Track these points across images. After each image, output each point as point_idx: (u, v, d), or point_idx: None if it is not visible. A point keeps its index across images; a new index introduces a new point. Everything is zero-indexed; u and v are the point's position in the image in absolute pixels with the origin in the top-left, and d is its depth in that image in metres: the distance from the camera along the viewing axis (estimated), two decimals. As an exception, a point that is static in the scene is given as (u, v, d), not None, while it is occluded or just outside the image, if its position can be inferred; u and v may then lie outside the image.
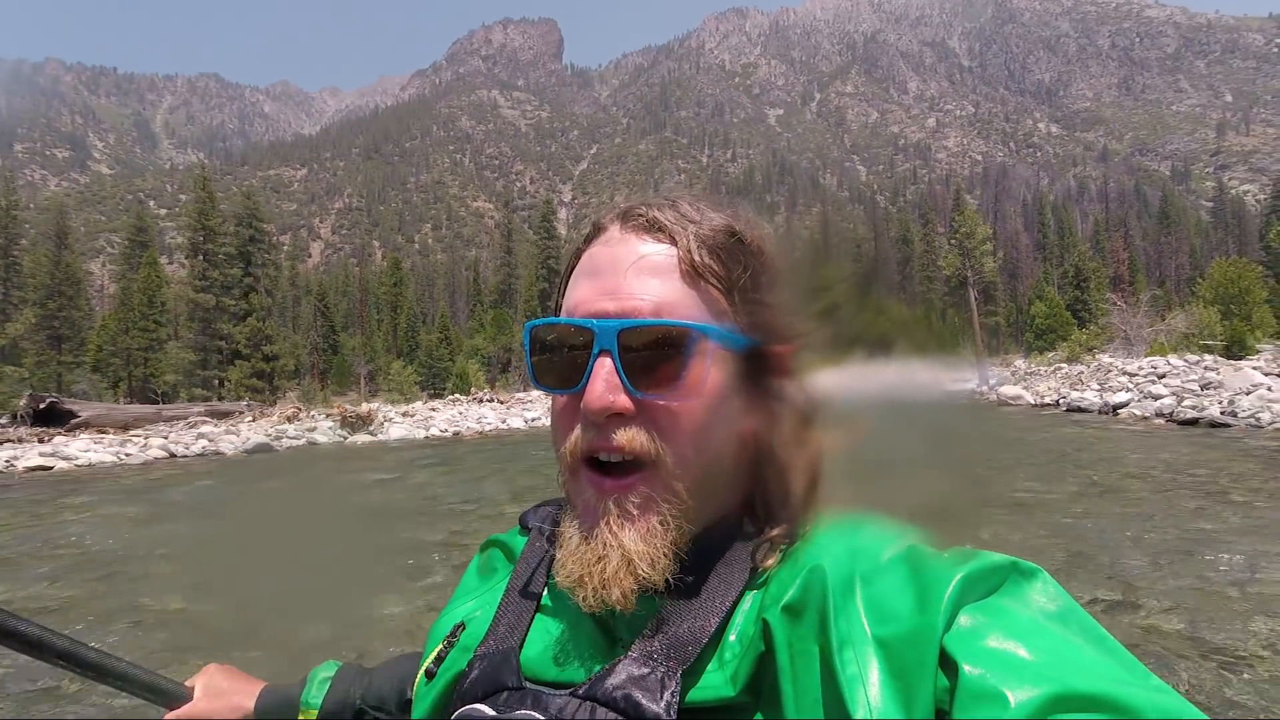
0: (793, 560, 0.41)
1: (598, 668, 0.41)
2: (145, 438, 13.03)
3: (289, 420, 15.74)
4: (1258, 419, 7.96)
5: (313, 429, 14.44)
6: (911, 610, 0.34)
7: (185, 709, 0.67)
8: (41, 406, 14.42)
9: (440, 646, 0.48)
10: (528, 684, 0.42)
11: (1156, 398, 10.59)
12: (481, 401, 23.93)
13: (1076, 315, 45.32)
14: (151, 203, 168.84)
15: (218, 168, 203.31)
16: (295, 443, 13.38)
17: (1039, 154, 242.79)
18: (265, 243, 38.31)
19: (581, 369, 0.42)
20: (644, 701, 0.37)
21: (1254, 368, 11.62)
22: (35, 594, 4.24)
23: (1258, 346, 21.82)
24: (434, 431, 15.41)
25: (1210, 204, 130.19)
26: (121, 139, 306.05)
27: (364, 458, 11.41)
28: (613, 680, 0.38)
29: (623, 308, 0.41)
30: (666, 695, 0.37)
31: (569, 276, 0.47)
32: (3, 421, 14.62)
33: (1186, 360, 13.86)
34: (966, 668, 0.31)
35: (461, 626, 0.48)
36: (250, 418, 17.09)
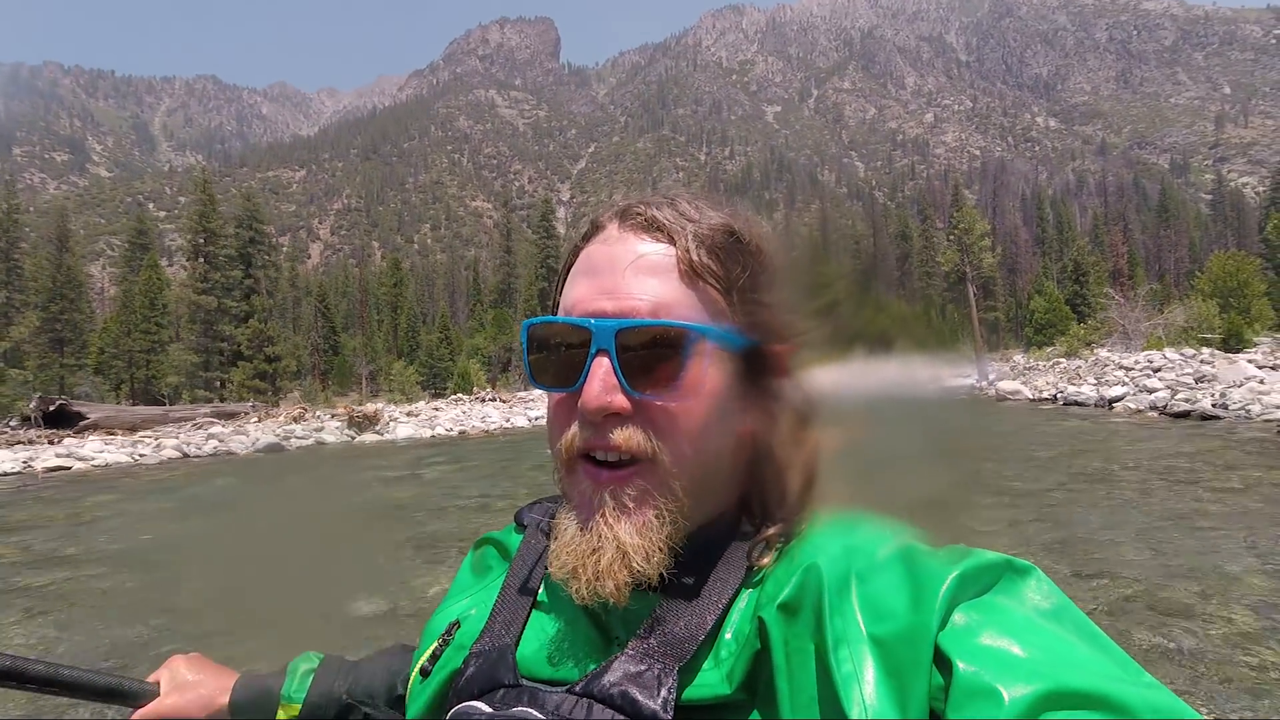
0: (789, 559, 0.41)
1: (594, 665, 0.41)
2: (158, 439, 13.22)
3: (295, 420, 15.93)
4: (1248, 411, 8.12)
5: (320, 429, 14.63)
6: (906, 608, 0.34)
7: (151, 706, 0.63)
8: (51, 409, 14.58)
9: (436, 644, 0.48)
10: (524, 681, 0.42)
11: (1151, 391, 10.75)
12: (484, 401, 24.10)
13: (1076, 310, 45.47)
14: (151, 205, 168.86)
15: (216, 170, 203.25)
16: (304, 442, 13.57)
17: (1037, 148, 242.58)
18: (265, 244, 38.48)
19: (579, 368, 0.42)
20: (641, 698, 0.37)
21: (1249, 360, 11.77)
22: (99, 586, 4.46)
23: (1255, 339, 21.98)
24: (439, 431, 15.58)
25: (1209, 197, 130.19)
26: (120, 142, 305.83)
27: (376, 456, 11.57)
28: (609, 677, 0.39)
29: (620, 307, 0.42)
30: (663, 692, 0.37)
31: (566, 274, 0.47)
32: (13, 424, 14.77)
33: (1182, 354, 14.01)
34: (961, 665, 0.32)
35: (457, 624, 0.48)
36: (256, 418, 17.27)
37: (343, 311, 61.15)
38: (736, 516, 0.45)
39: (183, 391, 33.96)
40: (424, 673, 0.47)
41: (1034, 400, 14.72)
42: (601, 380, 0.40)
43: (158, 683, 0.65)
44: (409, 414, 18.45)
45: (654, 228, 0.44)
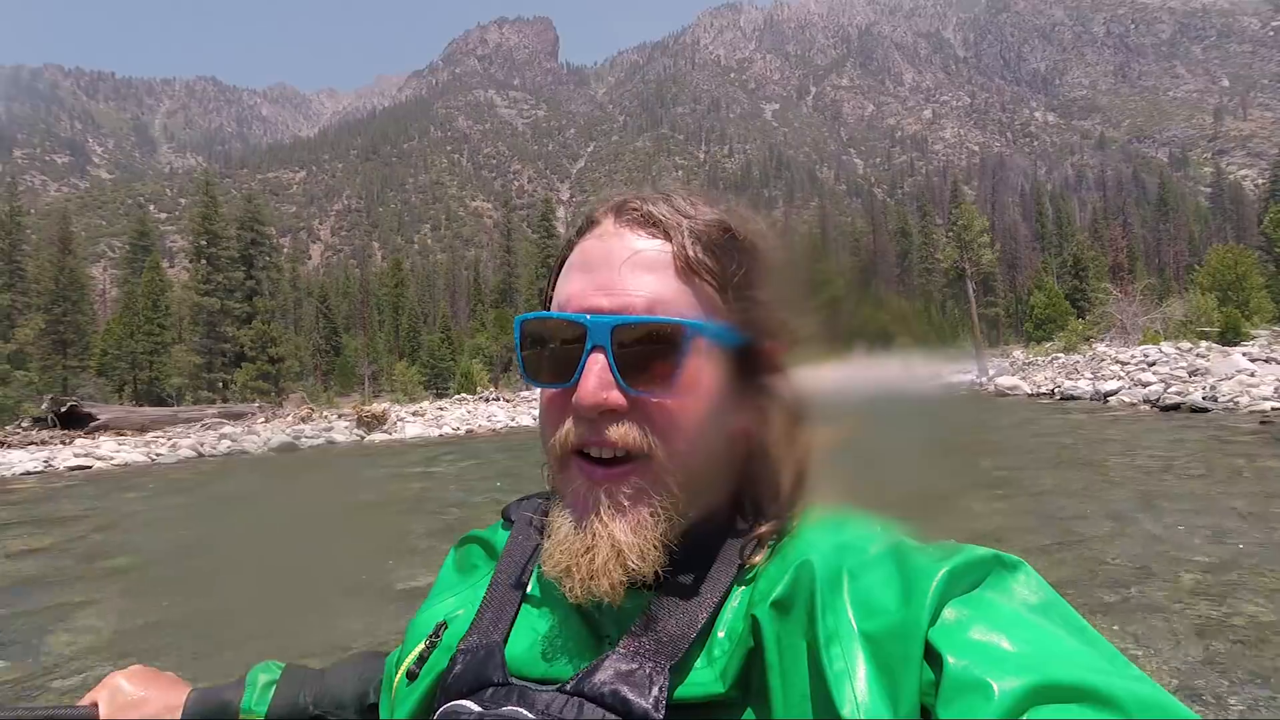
0: (781, 556, 0.41)
1: (585, 664, 0.40)
2: (172, 439, 13.46)
3: (304, 421, 16.16)
4: (1236, 403, 8.32)
5: (329, 428, 14.86)
6: (897, 604, 0.35)
7: None
8: (63, 410, 14.80)
9: (422, 646, 0.47)
10: (513, 680, 0.42)
11: (1145, 385, 10.94)
12: (488, 401, 24.32)
13: (1075, 305, 45.59)
14: (151, 207, 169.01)
15: (217, 171, 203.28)
16: (314, 442, 13.79)
17: (1036, 143, 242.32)
18: (267, 246, 38.69)
19: (573, 364, 0.41)
20: (632, 697, 0.37)
21: (1244, 354, 11.95)
22: (166, 574, 4.74)
23: (1252, 332, 22.14)
24: (446, 430, 15.78)
25: (1209, 190, 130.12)
26: (120, 143, 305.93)
27: (389, 454, 11.77)
28: (600, 676, 0.38)
29: (616, 304, 0.41)
30: (655, 691, 0.37)
31: (560, 268, 0.47)
32: (24, 425, 15.01)
33: (1178, 348, 14.21)
34: (951, 660, 0.32)
35: (444, 625, 0.47)
36: (263, 418, 17.50)
37: (344, 312, 61.34)
38: (729, 514, 0.44)
39: (186, 393, 34.19)
40: (410, 675, 0.46)
41: (1032, 395, 14.92)
42: (597, 377, 0.40)
43: (94, 704, 0.58)
44: (414, 414, 18.68)
45: (650, 223, 0.43)
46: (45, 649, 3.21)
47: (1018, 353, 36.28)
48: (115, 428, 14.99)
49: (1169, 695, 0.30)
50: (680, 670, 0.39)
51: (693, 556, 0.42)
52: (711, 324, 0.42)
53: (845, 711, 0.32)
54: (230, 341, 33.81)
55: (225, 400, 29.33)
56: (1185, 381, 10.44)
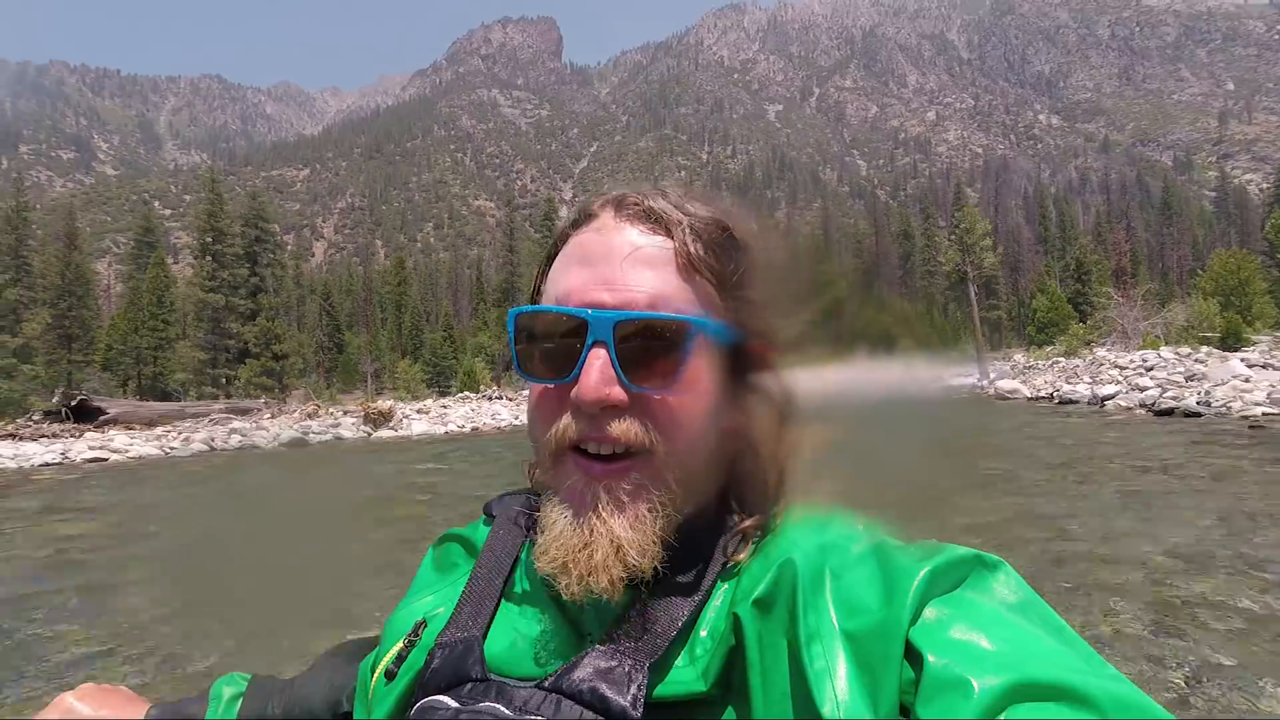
0: (764, 555, 0.41)
1: (564, 660, 0.40)
2: (184, 433, 13.68)
3: (310, 417, 16.36)
4: (1228, 408, 8.45)
5: (337, 425, 15.05)
6: (879, 603, 0.35)
7: None
8: (73, 403, 15.00)
9: (401, 645, 0.47)
10: (491, 676, 0.41)
11: (1142, 390, 11.06)
12: (491, 399, 24.50)
13: (1078, 308, 45.60)
14: (156, 203, 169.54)
15: (221, 168, 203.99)
16: (322, 437, 13.96)
17: (1040, 146, 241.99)
18: (271, 243, 38.92)
19: (573, 359, 0.41)
20: (610, 695, 0.37)
21: (1242, 359, 12.06)
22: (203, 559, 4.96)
23: (1254, 338, 22.20)
24: (452, 427, 15.95)
25: (1213, 194, 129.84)
26: (126, 140, 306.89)
27: (399, 450, 11.95)
28: (579, 673, 0.38)
29: (619, 299, 0.41)
30: (633, 688, 0.37)
31: (551, 260, 0.47)
32: (36, 418, 15.21)
33: (1177, 353, 14.31)
34: (931, 658, 0.32)
35: (423, 624, 0.47)
36: (269, 414, 17.69)
37: (347, 310, 61.54)
38: (716, 511, 0.44)
39: (189, 388, 34.45)
40: (389, 675, 0.46)
41: (1032, 399, 15.04)
42: (599, 372, 0.40)
43: None
44: (419, 411, 18.87)
45: (650, 219, 0.43)
46: (107, 621, 3.45)
47: (1019, 356, 36.36)
48: (124, 422, 15.19)
49: (1144, 695, 0.30)
50: (662, 668, 0.39)
51: (677, 554, 0.41)
52: (711, 321, 0.42)
53: (825, 710, 0.32)
54: (234, 338, 34.03)
55: (229, 396, 29.55)
56: (1182, 386, 10.56)
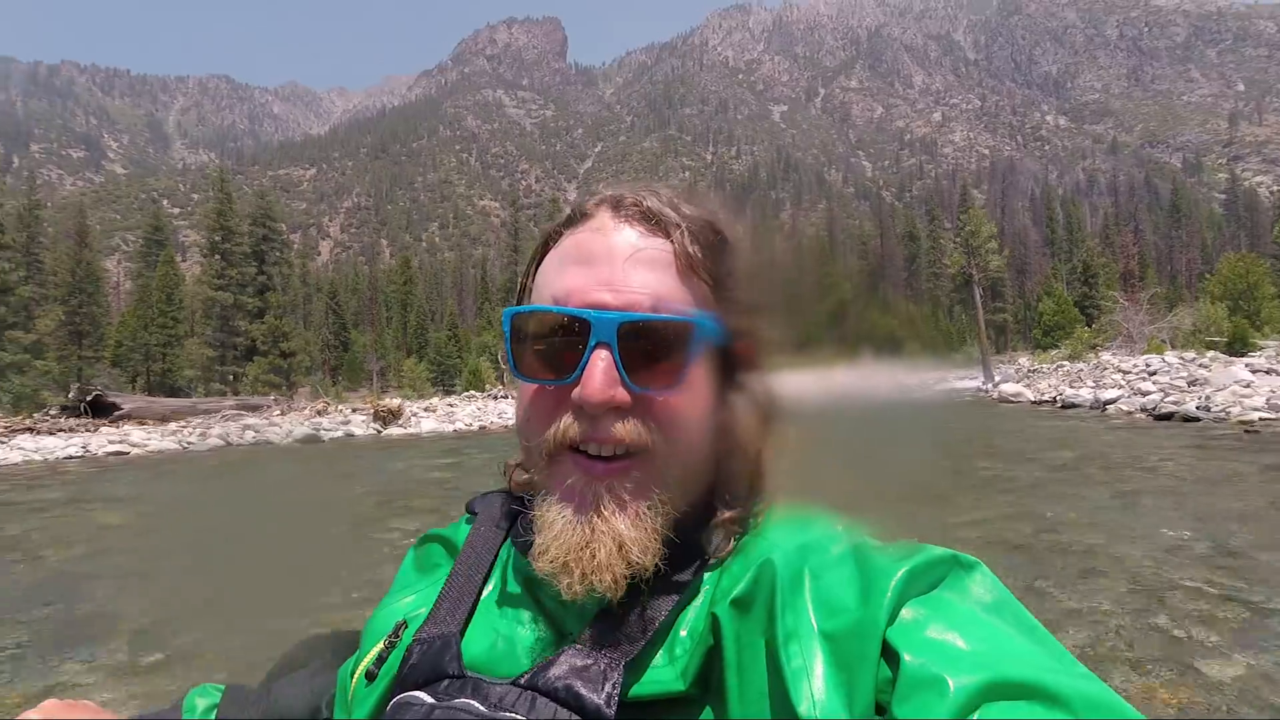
0: (744, 555, 0.41)
1: (542, 658, 0.40)
2: (200, 429, 13.90)
3: (320, 414, 16.57)
4: (1227, 412, 8.53)
5: (347, 421, 15.26)
6: (856, 603, 0.35)
7: None
8: (89, 399, 15.24)
9: (381, 646, 0.47)
10: (468, 672, 0.41)
11: (1144, 394, 11.12)
12: (497, 398, 24.70)
13: (1085, 312, 45.44)
14: (165, 202, 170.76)
15: (229, 168, 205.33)
16: (333, 434, 14.17)
17: (1047, 147, 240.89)
18: (278, 241, 39.27)
19: (574, 360, 0.41)
20: (585, 692, 0.37)
21: (1246, 364, 12.10)
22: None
23: (1262, 343, 22.12)
24: (459, 426, 16.12)
25: (1223, 196, 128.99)
26: (135, 139, 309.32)
27: (411, 447, 12.10)
28: (555, 671, 0.38)
29: (622, 301, 0.41)
30: (608, 686, 0.37)
31: (541, 258, 0.47)
32: (52, 413, 15.47)
33: (1182, 358, 14.34)
34: (907, 657, 0.32)
35: (404, 624, 0.47)
36: (279, 411, 17.93)
37: (352, 308, 61.94)
38: (701, 510, 0.44)
39: (197, 384, 34.81)
40: (369, 676, 0.46)
41: (1035, 403, 15.10)
42: (603, 374, 0.40)
43: None
44: (426, 409, 19.07)
45: (648, 220, 0.43)
46: (152, 604, 3.67)
47: (1024, 359, 36.29)
48: (138, 417, 15.43)
49: (1114, 694, 0.31)
50: (642, 667, 0.39)
51: (664, 553, 0.41)
52: (710, 322, 0.42)
53: (802, 709, 0.32)
54: (242, 335, 34.37)
55: (236, 393, 29.85)
56: (1184, 391, 10.61)
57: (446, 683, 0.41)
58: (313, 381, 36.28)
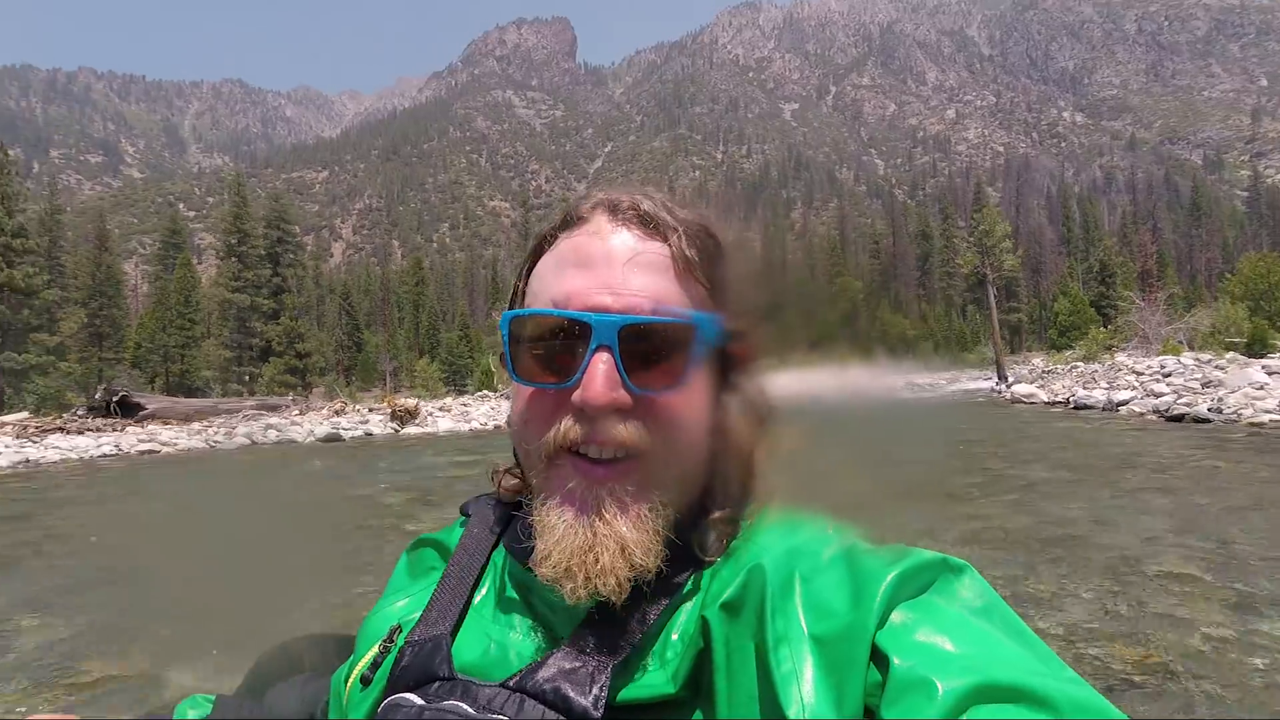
0: (735, 558, 0.42)
1: (531, 660, 0.40)
2: (226, 428, 14.23)
3: (338, 414, 16.88)
4: (1239, 414, 8.48)
5: (365, 421, 15.53)
6: (846, 607, 0.35)
7: None
8: (115, 399, 15.65)
9: (376, 651, 0.47)
10: (458, 675, 0.41)
11: (1158, 396, 11.05)
12: (509, 399, 24.90)
13: (1101, 312, 44.91)
14: (181, 205, 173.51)
15: (243, 171, 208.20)
16: (353, 433, 14.42)
17: (1063, 144, 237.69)
18: (292, 244, 39.87)
19: (574, 363, 0.41)
20: (572, 695, 0.37)
21: (1263, 366, 11.97)
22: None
23: (1280, 344, 21.74)
24: (475, 425, 16.31)
25: (1245, 194, 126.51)
26: (151, 144, 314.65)
27: (431, 445, 12.26)
28: (543, 673, 0.38)
29: (623, 304, 0.41)
30: (595, 689, 0.37)
31: (535, 261, 0.47)
32: (80, 413, 15.88)
33: (1197, 359, 14.20)
34: (896, 660, 0.33)
35: (398, 629, 0.47)
36: (298, 411, 18.26)
37: (365, 309, 62.65)
38: (696, 511, 0.45)
39: (214, 385, 35.45)
40: (364, 681, 0.46)
41: (1048, 404, 15.04)
42: (605, 376, 0.40)
43: None
44: (441, 409, 19.34)
45: (645, 223, 0.44)
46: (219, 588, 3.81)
47: (1038, 360, 35.99)
48: (162, 417, 15.79)
49: (1101, 697, 0.31)
50: (633, 671, 0.39)
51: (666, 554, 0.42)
52: (707, 325, 0.43)
53: (791, 712, 0.33)
54: (258, 336, 34.94)
55: (253, 393, 30.37)
56: (1197, 393, 10.53)
57: (437, 685, 0.41)
58: (327, 382, 36.80)
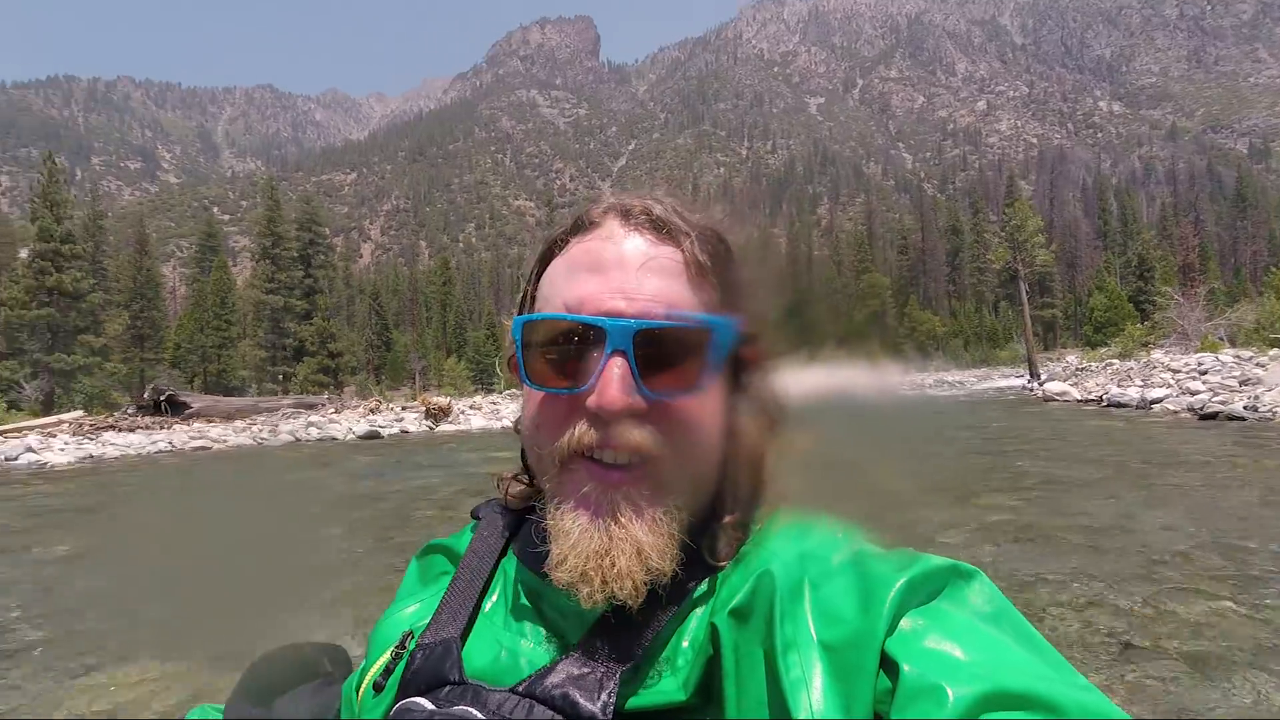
0: (744, 564, 0.42)
1: (541, 665, 0.41)
2: (269, 425, 14.80)
3: (373, 412, 17.44)
4: (1274, 413, 8.29)
5: (400, 419, 16.01)
6: (855, 614, 0.35)
7: None
8: (162, 398, 16.44)
9: (388, 656, 0.47)
10: (469, 680, 0.42)
11: (1193, 394, 10.80)
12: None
13: (1140, 307, 43.52)
14: (216, 209, 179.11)
15: (275, 174, 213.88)
16: (390, 430, 14.85)
17: (1100, 135, 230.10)
18: (323, 245, 40.96)
19: (588, 368, 0.41)
20: (581, 701, 0.37)
21: (1303, 363, 11.61)
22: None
23: (1328, 339, 20.89)
24: (505, 422, 16.65)
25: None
26: (187, 149, 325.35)
27: (467, 442, 12.52)
28: (552, 679, 0.39)
29: (637, 308, 0.42)
30: (604, 695, 0.37)
31: (545, 265, 0.47)
32: (130, 411, 16.69)
33: (1238, 356, 13.79)
34: (906, 667, 0.32)
35: (410, 635, 0.47)
36: (333, 409, 18.89)
37: (394, 309, 63.97)
38: (707, 515, 0.45)
39: (250, 384, 36.69)
40: (377, 687, 0.46)
41: (1081, 402, 14.76)
42: (620, 381, 0.40)
43: None
44: (472, 407, 19.82)
45: (658, 228, 0.44)
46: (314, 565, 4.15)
47: (1071, 357, 35.14)
48: (205, 415, 16.50)
49: (1112, 704, 0.31)
50: (643, 677, 0.39)
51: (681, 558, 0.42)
52: (721, 329, 0.43)
53: (800, 717, 0.33)
54: (291, 337, 36.02)
55: (287, 392, 31.37)
56: (1234, 391, 10.26)
57: (447, 689, 0.41)
58: (358, 380, 37.79)
